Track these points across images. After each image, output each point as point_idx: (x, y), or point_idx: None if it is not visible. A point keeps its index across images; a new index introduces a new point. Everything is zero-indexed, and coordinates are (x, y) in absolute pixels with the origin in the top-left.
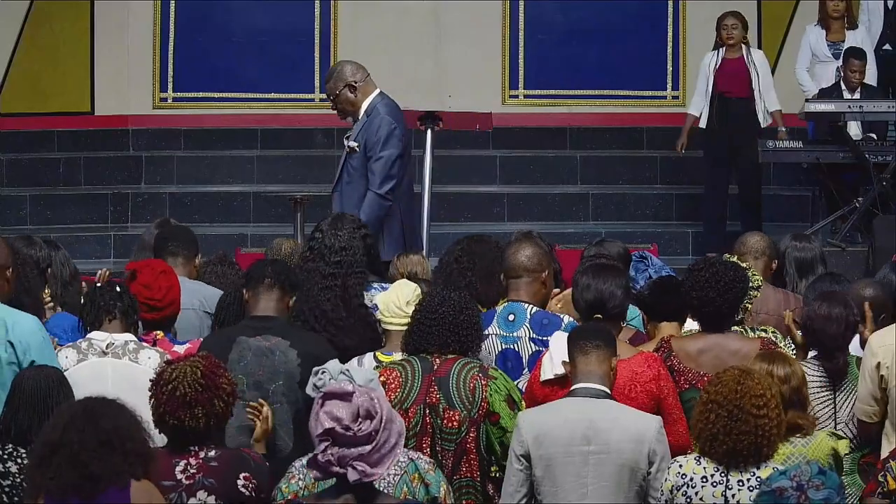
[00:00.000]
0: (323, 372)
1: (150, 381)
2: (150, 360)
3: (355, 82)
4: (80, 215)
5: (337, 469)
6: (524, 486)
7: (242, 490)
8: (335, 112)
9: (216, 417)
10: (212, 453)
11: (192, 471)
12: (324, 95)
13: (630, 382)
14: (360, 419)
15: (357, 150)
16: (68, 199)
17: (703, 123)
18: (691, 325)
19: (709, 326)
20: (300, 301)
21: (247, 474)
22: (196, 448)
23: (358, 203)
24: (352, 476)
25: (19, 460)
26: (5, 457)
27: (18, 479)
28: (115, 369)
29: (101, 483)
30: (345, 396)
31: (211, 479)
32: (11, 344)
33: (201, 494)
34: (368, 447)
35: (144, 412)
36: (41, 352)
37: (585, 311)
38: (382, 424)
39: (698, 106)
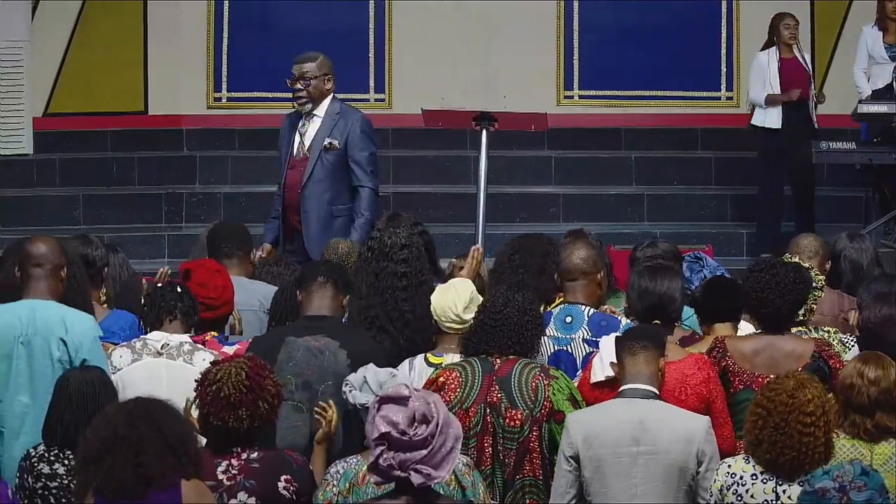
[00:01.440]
0: (346, 384)
1: (195, 381)
2: (204, 361)
3: (331, 76)
4: (133, 215)
5: (399, 473)
6: (573, 487)
7: (283, 492)
8: (297, 91)
9: (260, 419)
10: (254, 455)
11: (233, 472)
12: (379, 95)
13: (680, 384)
14: (415, 423)
15: (338, 146)
16: (121, 199)
17: (774, 124)
18: (744, 326)
19: (768, 327)
20: (371, 302)
21: (288, 476)
22: (238, 449)
23: (333, 200)
24: (416, 480)
25: (66, 462)
26: (52, 458)
27: (66, 481)
28: (169, 370)
29: (155, 483)
30: (401, 401)
31: (252, 480)
32: (65, 342)
33: (242, 496)
34: (424, 451)
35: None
36: (92, 351)
37: (643, 314)
38: (438, 429)
39: (760, 96)
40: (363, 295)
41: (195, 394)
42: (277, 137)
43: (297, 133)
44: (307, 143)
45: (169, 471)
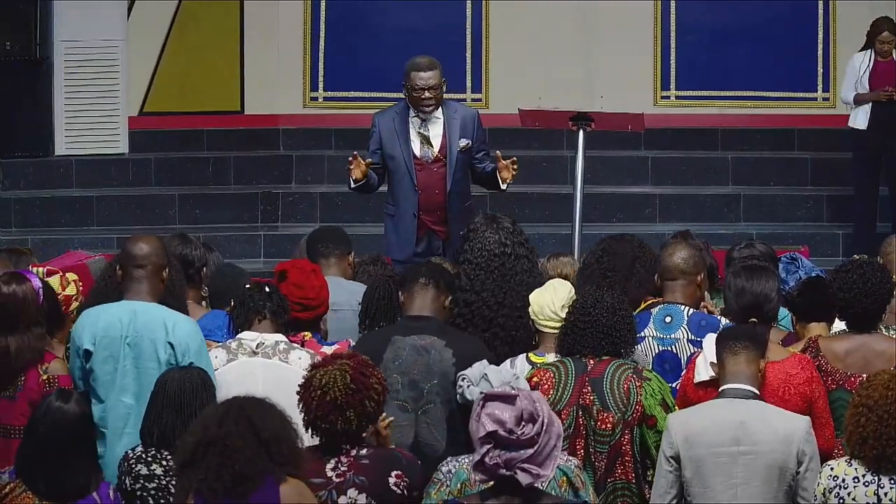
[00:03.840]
0: (463, 378)
1: (299, 385)
2: (300, 360)
3: (445, 78)
4: (229, 215)
5: (504, 472)
6: (674, 488)
7: (394, 488)
8: (427, 101)
9: (367, 418)
10: (363, 451)
11: (342, 468)
12: (476, 95)
13: (784, 384)
14: (523, 423)
15: (471, 145)
16: (218, 199)
17: (861, 125)
18: (839, 325)
19: (855, 327)
20: (494, 301)
21: (399, 472)
22: (348, 447)
23: (466, 197)
24: (524, 479)
25: (164, 462)
26: (149, 459)
27: (164, 482)
28: (265, 369)
29: (253, 483)
30: (508, 399)
31: (362, 476)
32: (171, 345)
33: (352, 492)
34: (531, 450)
35: (294, 413)
36: (199, 355)
37: (740, 314)
38: (544, 428)
39: (848, 96)
40: (489, 295)
41: (298, 398)
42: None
43: (418, 135)
44: (436, 145)
45: (265, 470)
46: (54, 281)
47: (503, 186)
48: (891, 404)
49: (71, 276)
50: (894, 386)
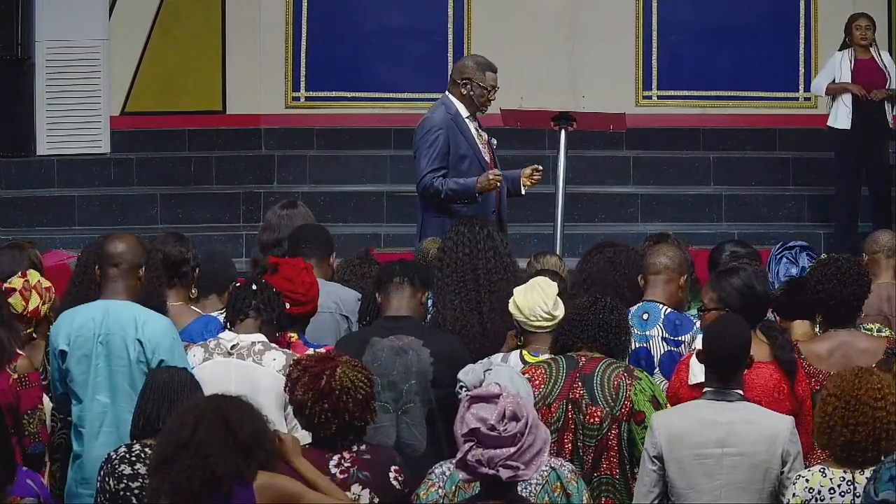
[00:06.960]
0: (461, 385)
1: (290, 393)
2: (274, 361)
3: None
4: (211, 215)
5: (486, 470)
6: (657, 487)
7: (394, 483)
8: (486, 104)
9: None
10: (363, 447)
11: (346, 465)
12: None
13: (777, 384)
14: (505, 420)
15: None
16: (199, 199)
17: (844, 125)
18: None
19: (836, 320)
20: (477, 297)
21: (397, 467)
22: (348, 442)
23: None
24: (505, 474)
25: (147, 462)
26: (133, 458)
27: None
28: (237, 370)
29: (221, 484)
30: (491, 399)
31: (365, 472)
32: (140, 342)
33: (355, 488)
34: (513, 448)
35: (265, 414)
36: (171, 352)
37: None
38: (528, 428)
39: (820, 87)
40: (467, 289)
41: (285, 395)
42: (355, 137)
43: (479, 134)
44: (486, 147)
45: (237, 471)
46: (15, 300)
47: (523, 192)
48: (857, 390)
49: (33, 277)
50: (863, 375)
